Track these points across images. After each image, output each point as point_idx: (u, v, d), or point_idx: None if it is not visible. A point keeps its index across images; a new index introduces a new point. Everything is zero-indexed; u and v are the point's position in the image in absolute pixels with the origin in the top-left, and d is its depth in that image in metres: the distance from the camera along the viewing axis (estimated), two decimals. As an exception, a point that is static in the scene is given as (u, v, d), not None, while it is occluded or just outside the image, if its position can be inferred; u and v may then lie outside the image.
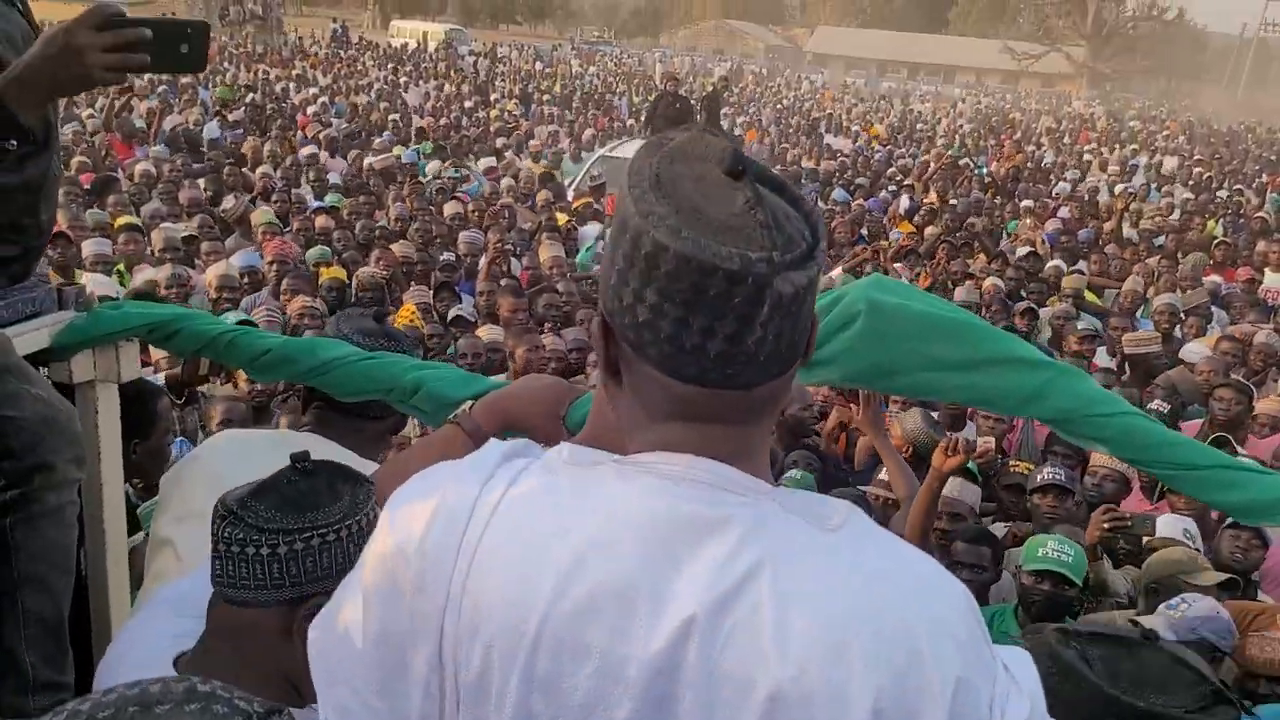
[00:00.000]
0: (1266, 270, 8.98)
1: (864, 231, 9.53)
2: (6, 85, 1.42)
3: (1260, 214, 12.30)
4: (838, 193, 11.75)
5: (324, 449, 1.69)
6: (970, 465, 3.96)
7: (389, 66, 24.99)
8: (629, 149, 12.09)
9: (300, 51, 26.21)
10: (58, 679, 1.63)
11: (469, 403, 1.60)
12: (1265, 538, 3.60)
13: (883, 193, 11.93)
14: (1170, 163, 18.62)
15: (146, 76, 13.92)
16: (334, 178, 9.67)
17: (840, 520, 0.85)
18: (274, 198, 8.48)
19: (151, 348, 3.22)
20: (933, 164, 13.91)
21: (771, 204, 0.82)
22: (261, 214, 7.38)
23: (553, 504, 0.86)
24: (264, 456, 1.39)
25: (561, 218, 8.72)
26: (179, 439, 3.79)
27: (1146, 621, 2.68)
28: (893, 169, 14.28)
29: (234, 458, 1.76)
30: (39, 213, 1.74)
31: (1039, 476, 3.91)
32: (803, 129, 20.74)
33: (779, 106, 26.36)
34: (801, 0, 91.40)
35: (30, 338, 1.75)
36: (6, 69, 1.47)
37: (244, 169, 9.66)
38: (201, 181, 8.82)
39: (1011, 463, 4.44)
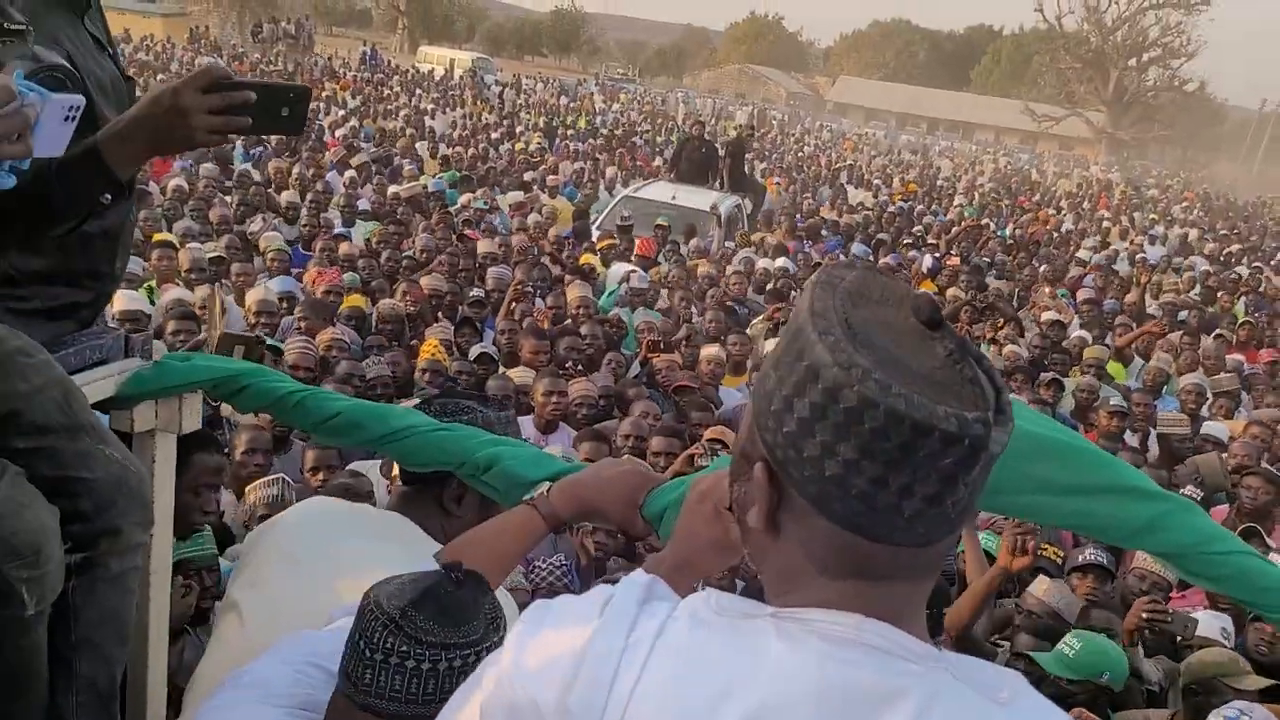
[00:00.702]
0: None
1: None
2: (108, 140, 1.40)
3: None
4: (857, 247, 11.76)
5: (408, 532, 1.65)
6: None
7: (416, 93, 25.21)
8: (653, 190, 12.12)
9: (330, 72, 26.43)
10: None
11: (545, 485, 1.57)
12: None
13: (908, 251, 11.91)
14: (1190, 234, 18.66)
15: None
16: (363, 204, 9.68)
17: (1010, 694, 0.81)
18: (302, 221, 8.48)
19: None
20: (955, 226, 13.94)
21: (970, 361, 0.79)
22: (270, 239, 7.36)
23: (712, 660, 0.80)
24: (343, 534, 1.35)
25: (588, 258, 8.71)
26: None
27: None
28: (917, 226, 14.28)
29: (312, 534, 1.72)
30: (115, 259, 1.72)
31: (1081, 557, 3.87)
32: (824, 179, 20.84)
33: (800, 154, 26.52)
34: (825, 49, 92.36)
35: (97, 386, 1.71)
36: (107, 123, 1.45)
37: (270, 190, 9.68)
38: (231, 199, 8.84)
39: (1042, 546, 4.37)
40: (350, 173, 11.23)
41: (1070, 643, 3.17)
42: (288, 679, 1.36)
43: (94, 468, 1.42)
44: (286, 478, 3.52)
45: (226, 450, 4.02)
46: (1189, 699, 3.11)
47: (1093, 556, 3.86)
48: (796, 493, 0.80)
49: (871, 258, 11.03)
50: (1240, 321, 9.94)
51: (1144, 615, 3.33)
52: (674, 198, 11.48)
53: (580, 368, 6.00)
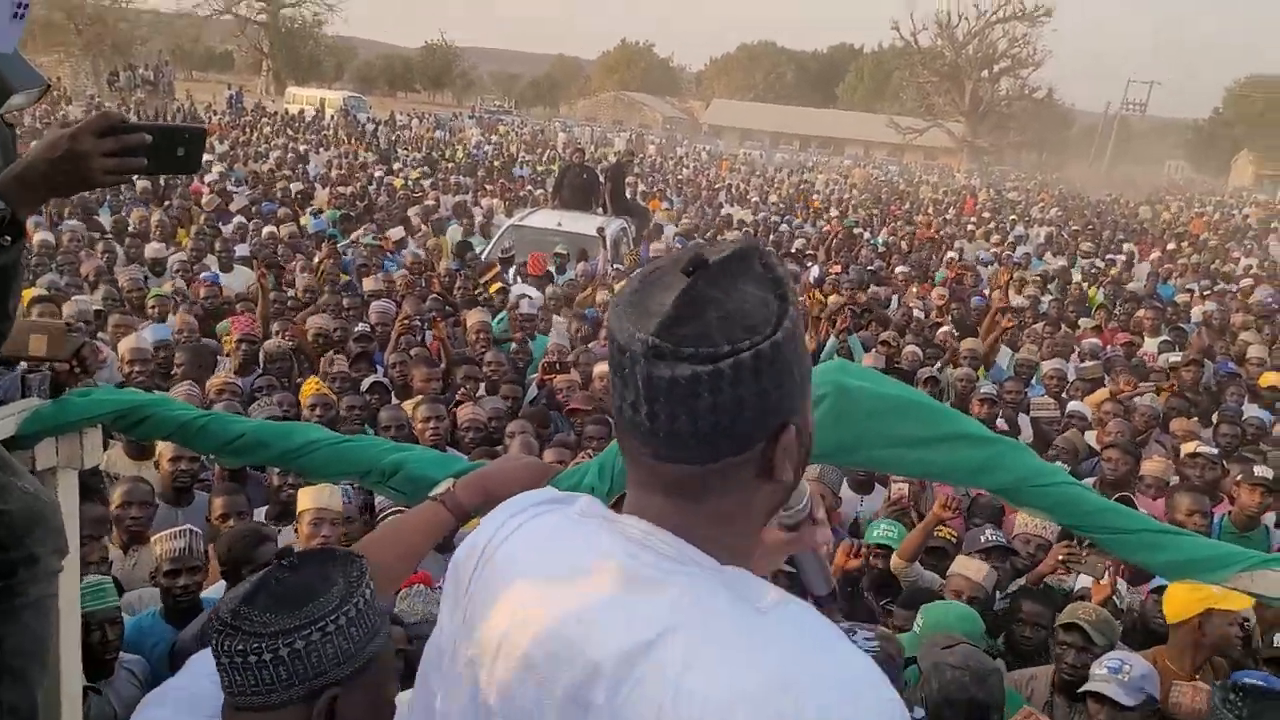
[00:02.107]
0: (1144, 335, 9.59)
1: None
2: (7, 183, 1.45)
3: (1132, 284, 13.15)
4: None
5: None
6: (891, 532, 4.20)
7: (287, 133, 24.75)
8: (539, 218, 12.23)
9: (192, 118, 25.75)
10: None
11: (450, 481, 1.66)
12: None
13: (791, 264, 12.28)
14: (1050, 232, 19.75)
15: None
16: (242, 249, 9.51)
17: (771, 604, 0.92)
18: (176, 270, 8.31)
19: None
20: (832, 237, 14.46)
21: (709, 301, 0.91)
22: (152, 291, 7.21)
23: (556, 539, 1.03)
24: None
25: (495, 286, 8.80)
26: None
27: (1098, 686, 2.89)
28: (799, 239, 14.74)
29: None
30: (9, 299, 1.75)
31: (982, 538, 4.11)
32: (705, 199, 21.32)
33: (679, 177, 27.02)
34: (697, 73, 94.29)
35: (-3, 425, 1.74)
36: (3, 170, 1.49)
37: (140, 240, 9.43)
38: (98, 248, 8.59)
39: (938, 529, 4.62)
40: (238, 218, 11.03)
41: (917, 620, 3.41)
42: (210, 693, 1.38)
43: (7, 499, 1.45)
44: (194, 529, 3.44)
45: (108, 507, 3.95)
46: (1065, 648, 3.35)
47: (994, 538, 4.12)
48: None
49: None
50: (1098, 306, 10.60)
51: (1060, 557, 3.61)
52: (560, 224, 11.62)
53: (483, 394, 6.08)
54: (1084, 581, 3.87)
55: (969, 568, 3.81)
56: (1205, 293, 13.04)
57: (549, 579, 0.98)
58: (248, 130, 24.49)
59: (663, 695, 0.86)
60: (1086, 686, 3.01)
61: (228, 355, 6.28)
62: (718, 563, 0.96)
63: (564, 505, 1.07)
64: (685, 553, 0.95)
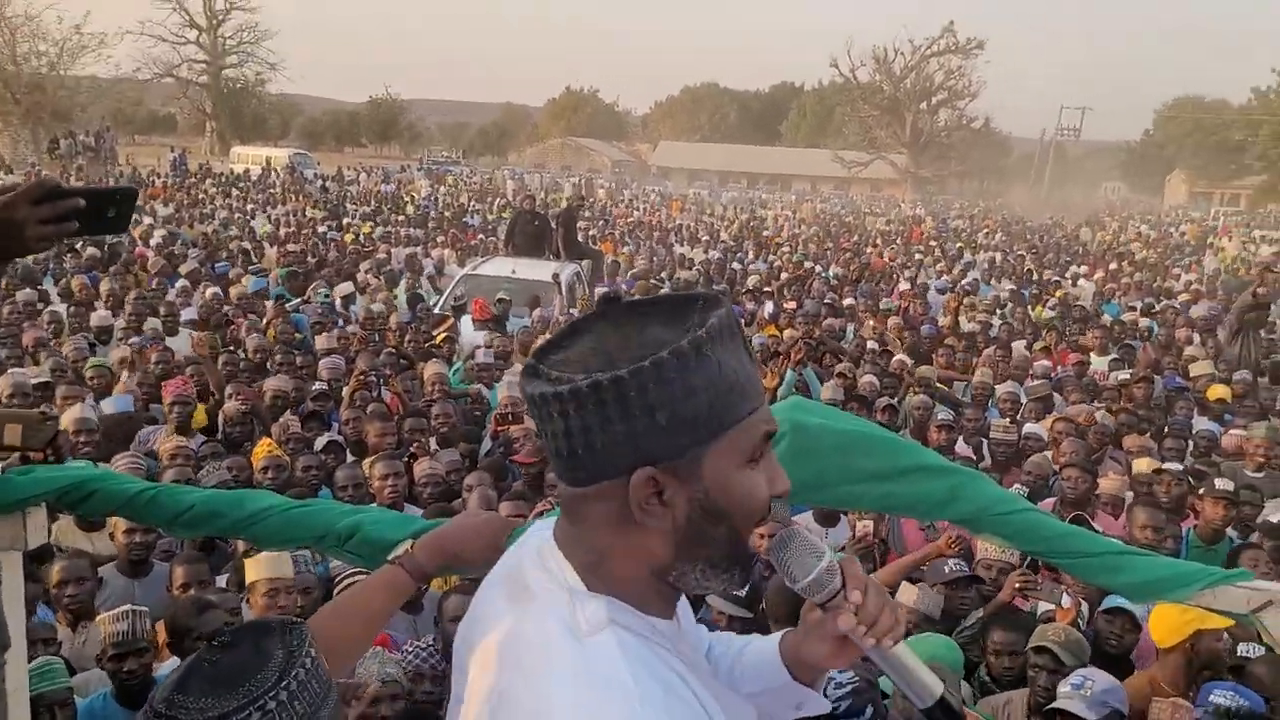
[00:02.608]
0: (1093, 354, 9.75)
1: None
2: None
3: (1080, 303, 13.41)
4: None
5: None
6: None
7: (233, 193, 24.57)
8: (492, 266, 12.22)
9: (137, 181, 25.49)
10: None
11: (409, 542, 1.63)
12: (1137, 621, 3.86)
13: (747, 303, 12.32)
14: (995, 257, 20.13)
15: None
16: (189, 312, 9.38)
17: (590, 630, 1.01)
18: (118, 336, 8.17)
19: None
20: (784, 272, 14.60)
21: (591, 333, 1.02)
22: (91, 362, 7.06)
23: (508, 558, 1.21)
24: None
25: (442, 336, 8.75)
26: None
27: (1062, 703, 2.89)
28: (752, 277, 14.85)
29: None
30: None
31: (946, 568, 4.12)
32: (657, 239, 21.46)
33: (629, 220, 27.21)
34: (642, 117, 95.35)
35: (-67, 510, 1.68)
36: None
37: (85, 308, 9.26)
38: (46, 317, 8.42)
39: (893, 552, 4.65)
40: (183, 281, 10.89)
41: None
42: None
43: None
44: (138, 608, 3.32)
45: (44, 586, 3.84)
46: (1037, 671, 3.36)
47: (957, 568, 4.14)
48: None
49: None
50: (1048, 327, 10.78)
51: (1016, 586, 3.63)
52: (514, 272, 11.61)
53: (437, 447, 6.00)
54: (1045, 606, 3.89)
55: (905, 594, 3.85)
56: (1149, 310, 13.33)
57: (488, 582, 1.17)
58: (192, 192, 24.29)
59: (468, 698, 1.04)
60: (1053, 704, 3.02)
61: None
62: (585, 587, 1.04)
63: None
64: (564, 575, 1.05)
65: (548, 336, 1.04)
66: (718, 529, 1.01)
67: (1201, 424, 7.17)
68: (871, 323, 11.19)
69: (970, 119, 58.17)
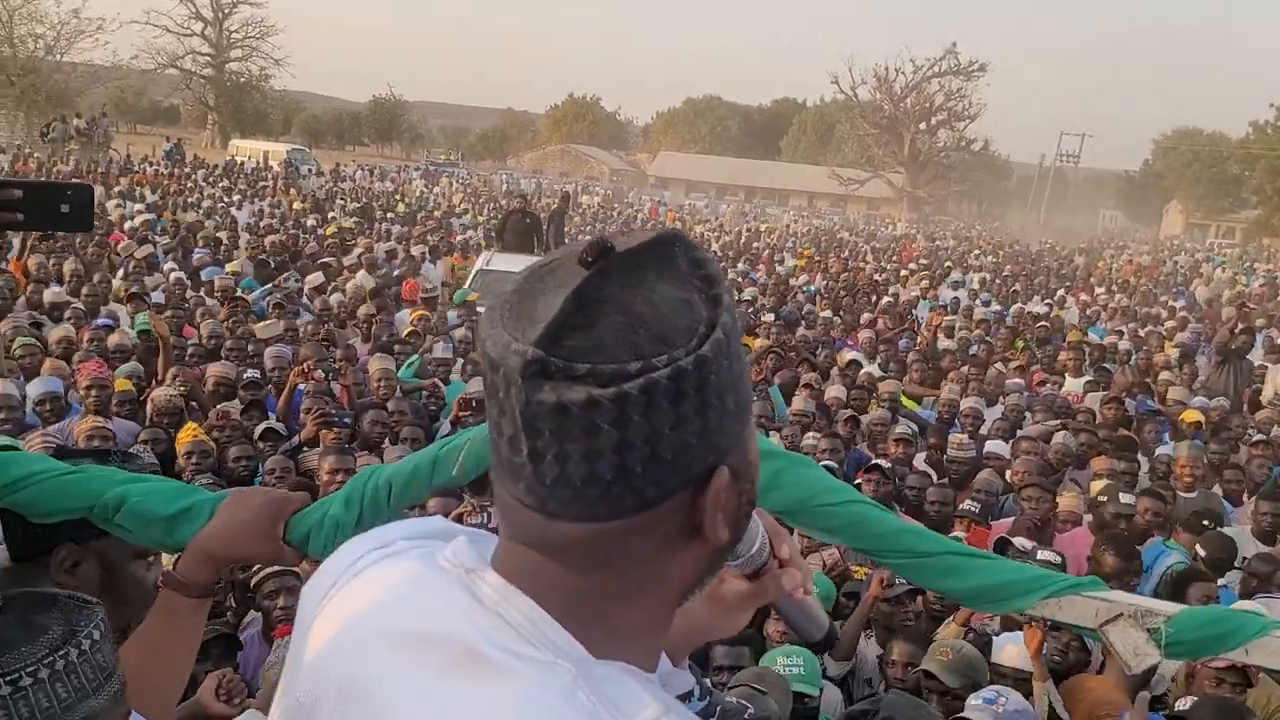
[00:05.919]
0: (1067, 376, 9.61)
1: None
2: None
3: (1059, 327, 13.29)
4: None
5: None
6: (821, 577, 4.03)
7: (221, 184, 24.43)
8: (501, 261, 12.07)
9: (125, 168, 25.36)
10: None
11: (174, 558, 1.49)
12: (1084, 641, 3.67)
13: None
14: (984, 278, 20.03)
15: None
16: (157, 296, 9.23)
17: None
18: (68, 315, 7.99)
19: None
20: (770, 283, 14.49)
21: (611, 302, 0.70)
22: (18, 340, 6.85)
23: (380, 592, 0.83)
24: None
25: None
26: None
27: (970, 714, 2.75)
28: (752, 289, 14.69)
29: None
30: None
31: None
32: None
33: (622, 224, 27.11)
34: (644, 127, 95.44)
35: None
36: None
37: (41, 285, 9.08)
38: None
39: (852, 567, 4.47)
40: (133, 262, 10.77)
41: (793, 661, 3.22)
42: None
43: None
44: None
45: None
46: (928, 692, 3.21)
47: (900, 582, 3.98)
48: None
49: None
50: (1023, 347, 10.64)
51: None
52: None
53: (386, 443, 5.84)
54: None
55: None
56: (1134, 335, 13.19)
57: (367, 636, 0.79)
58: (182, 180, 24.12)
59: None
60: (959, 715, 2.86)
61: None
62: (587, 652, 0.74)
63: (436, 545, 0.85)
64: (545, 633, 0.74)
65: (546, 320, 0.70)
66: (749, 520, 0.83)
67: (1166, 449, 7.03)
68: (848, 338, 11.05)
69: (969, 140, 58.19)
